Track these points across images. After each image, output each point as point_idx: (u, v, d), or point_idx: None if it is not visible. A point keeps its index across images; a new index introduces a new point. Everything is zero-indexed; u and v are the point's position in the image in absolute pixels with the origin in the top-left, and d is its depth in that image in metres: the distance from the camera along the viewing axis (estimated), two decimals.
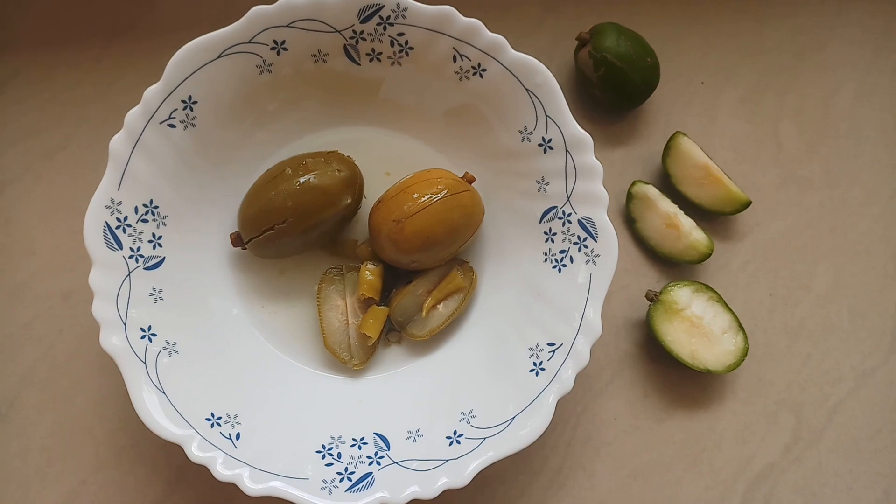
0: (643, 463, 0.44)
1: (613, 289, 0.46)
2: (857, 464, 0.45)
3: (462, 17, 0.39)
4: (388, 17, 0.39)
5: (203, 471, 0.42)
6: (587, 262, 0.39)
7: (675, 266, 0.47)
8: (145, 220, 0.39)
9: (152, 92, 0.38)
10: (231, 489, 0.42)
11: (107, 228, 0.37)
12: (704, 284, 0.44)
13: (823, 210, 0.49)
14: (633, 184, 0.46)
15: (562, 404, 0.44)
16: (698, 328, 0.44)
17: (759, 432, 0.45)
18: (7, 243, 0.45)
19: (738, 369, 0.45)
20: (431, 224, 0.40)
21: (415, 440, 0.39)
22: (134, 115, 0.38)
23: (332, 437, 0.39)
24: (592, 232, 0.39)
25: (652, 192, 0.46)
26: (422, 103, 0.43)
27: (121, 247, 0.38)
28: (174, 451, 0.42)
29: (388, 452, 0.38)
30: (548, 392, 0.38)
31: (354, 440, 0.39)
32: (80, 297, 0.44)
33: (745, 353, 0.43)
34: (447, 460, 0.37)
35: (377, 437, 0.39)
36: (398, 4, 0.39)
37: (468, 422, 0.39)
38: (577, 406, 0.45)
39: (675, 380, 0.45)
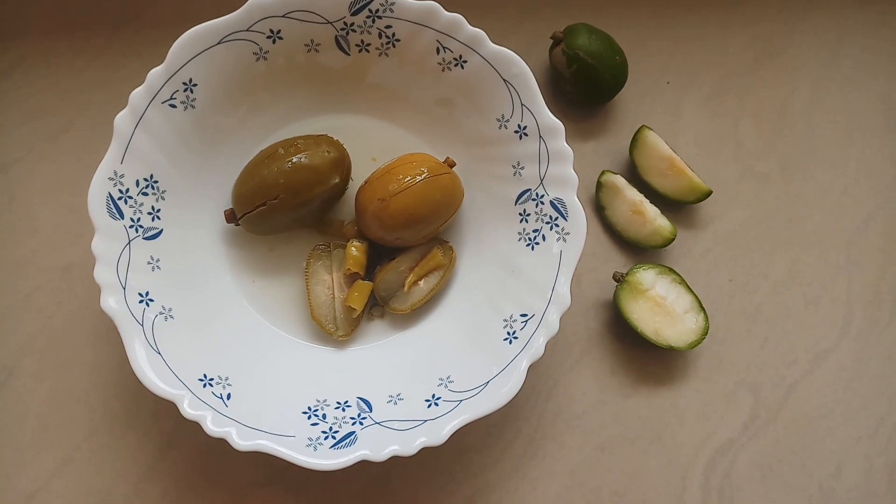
0: (610, 436, 0.47)
1: (583, 271, 0.49)
2: (811, 441, 0.48)
3: (445, 11, 0.42)
4: (377, 11, 0.42)
5: (193, 437, 0.44)
6: (558, 239, 0.42)
7: (640, 251, 0.50)
8: (145, 194, 0.41)
9: (156, 73, 0.41)
10: (219, 454, 0.44)
11: (109, 199, 0.40)
12: (668, 267, 0.47)
13: (780, 203, 0.52)
14: (602, 173, 0.49)
15: (533, 379, 0.46)
16: (662, 307, 0.46)
17: (720, 410, 0.48)
18: (10, 220, 0.47)
19: (699, 349, 0.48)
20: (414, 203, 0.42)
21: (395, 403, 0.41)
22: (138, 94, 0.40)
23: (318, 401, 0.41)
24: (563, 212, 0.42)
25: (620, 181, 0.49)
26: (407, 92, 0.46)
27: (122, 217, 0.40)
28: (166, 418, 0.44)
29: (370, 414, 0.40)
30: (520, 358, 0.40)
31: (339, 403, 0.41)
32: (78, 272, 0.46)
33: (705, 332, 0.46)
34: (426, 420, 0.39)
35: (360, 401, 0.41)
36: None
37: (446, 386, 0.41)
38: (548, 381, 0.47)
39: (641, 358, 0.48)
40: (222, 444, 0.37)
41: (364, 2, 0.42)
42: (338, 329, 0.44)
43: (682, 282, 0.47)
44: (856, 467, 0.47)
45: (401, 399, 0.41)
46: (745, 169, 0.52)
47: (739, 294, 0.50)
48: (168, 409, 0.38)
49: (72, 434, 0.44)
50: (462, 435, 0.40)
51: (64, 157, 0.48)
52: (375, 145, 0.46)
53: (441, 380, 0.41)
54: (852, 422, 0.48)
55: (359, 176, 0.45)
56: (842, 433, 0.48)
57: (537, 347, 0.40)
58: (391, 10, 0.42)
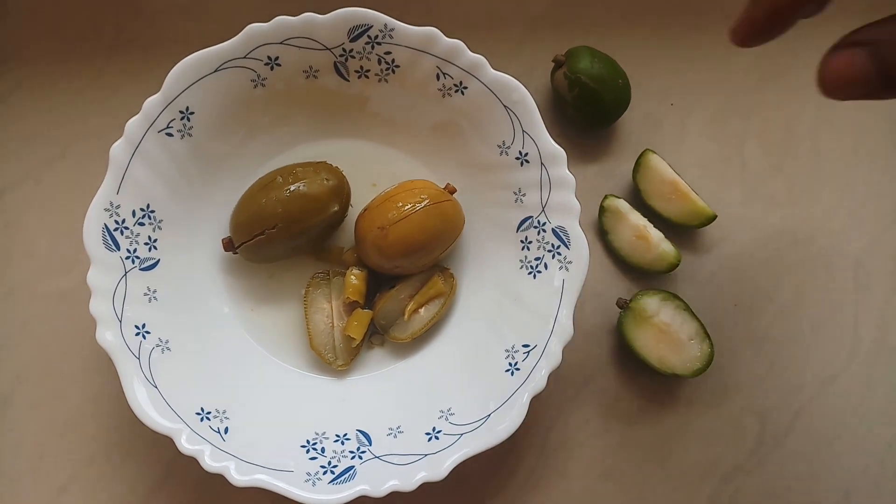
0: (614, 464, 0.46)
1: (586, 297, 0.48)
2: (818, 468, 0.47)
3: (445, 38, 0.42)
4: (376, 37, 0.42)
5: (191, 468, 0.43)
6: (560, 268, 0.41)
7: (644, 276, 0.49)
8: (142, 224, 0.41)
9: (152, 102, 0.40)
10: (217, 486, 0.43)
11: (105, 230, 0.39)
12: (672, 293, 0.47)
13: (785, 225, 0.51)
14: (605, 198, 0.49)
15: (536, 407, 0.46)
16: (666, 335, 0.46)
17: (725, 436, 0.47)
18: (6, 245, 0.46)
19: (704, 375, 0.47)
20: (414, 231, 0.42)
21: (395, 436, 0.40)
22: (134, 124, 0.40)
23: (317, 433, 0.40)
24: (565, 240, 0.42)
25: (623, 205, 0.48)
26: (407, 118, 0.45)
27: (118, 248, 0.40)
28: (163, 448, 0.44)
29: (369, 447, 0.40)
30: (522, 390, 0.40)
31: (338, 436, 0.40)
32: (75, 298, 0.45)
33: (710, 359, 0.46)
34: (426, 455, 0.39)
35: (359, 434, 0.41)
36: (385, 25, 0.42)
37: (447, 419, 0.40)
38: (551, 409, 0.46)
39: (645, 384, 0.47)
40: (220, 476, 0.37)
41: (363, 28, 0.42)
42: (337, 358, 0.43)
43: (687, 308, 0.46)
44: (864, 494, 0.47)
45: (400, 432, 0.40)
46: (750, 191, 0.51)
47: (744, 318, 0.49)
48: (166, 438, 0.38)
49: (69, 463, 0.44)
50: (463, 465, 0.40)
51: (60, 182, 0.47)
52: (375, 171, 0.46)
53: (442, 412, 0.41)
54: (860, 448, 0.47)
55: (359, 201, 0.45)
56: (849, 460, 0.47)
57: (539, 380, 0.40)
58: (390, 37, 0.42)
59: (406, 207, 0.42)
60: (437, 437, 0.40)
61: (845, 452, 0.47)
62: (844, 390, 0.48)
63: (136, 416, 0.38)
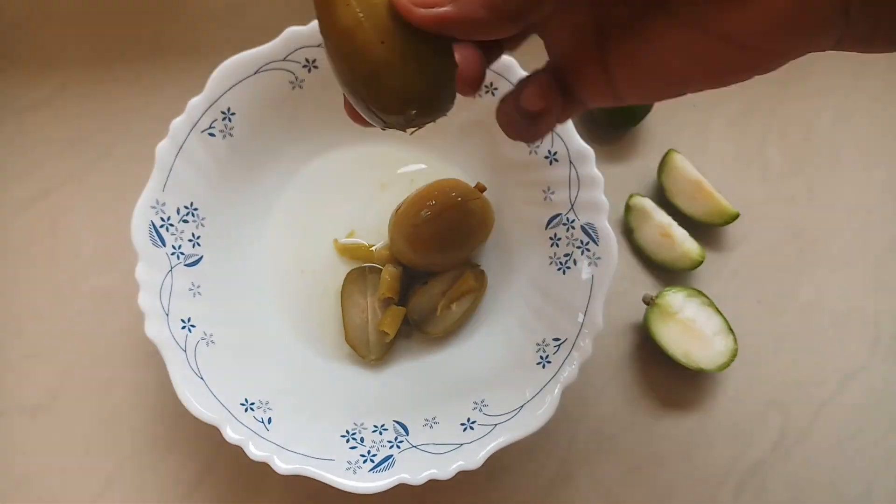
0: (641, 457, 0.47)
1: (613, 294, 0.49)
2: (841, 461, 0.48)
3: None
4: None
5: (233, 459, 0.45)
6: (589, 264, 0.43)
7: (669, 273, 0.50)
8: (186, 221, 0.42)
9: (195, 103, 0.42)
10: (258, 477, 0.45)
11: (152, 227, 0.41)
12: (697, 290, 0.48)
13: (806, 224, 0.52)
14: (631, 196, 0.50)
15: (566, 401, 0.47)
16: (691, 330, 0.47)
17: (749, 430, 0.48)
18: (53, 245, 0.48)
19: (728, 371, 0.48)
20: (445, 229, 0.43)
21: (431, 426, 0.41)
22: (178, 124, 0.41)
23: (356, 424, 0.42)
24: (594, 236, 0.43)
25: (648, 204, 0.49)
26: (439, 119, 0.46)
27: (164, 244, 0.41)
28: (206, 440, 0.45)
29: (406, 437, 0.41)
30: (553, 382, 0.41)
31: (375, 426, 0.42)
32: (119, 295, 0.47)
33: (734, 354, 0.47)
34: (462, 444, 0.40)
35: (396, 424, 0.42)
36: None
37: (481, 410, 0.42)
38: (579, 403, 0.47)
39: (671, 379, 0.48)
40: (262, 465, 0.38)
41: None
42: (370, 353, 0.44)
43: (711, 304, 0.47)
44: (886, 488, 0.47)
45: (436, 423, 0.41)
46: (772, 190, 0.52)
47: (767, 315, 0.50)
48: (209, 430, 0.39)
49: (114, 455, 0.45)
50: (496, 456, 0.41)
51: (103, 182, 0.49)
52: (409, 170, 0.47)
53: (476, 403, 0.42)
54: (882, 442, 0.48)
55: (395, 199, 0.46)
56: (871, 453, 0.48)
57: (570, 372, 0.41)
58: None
59: (438, 205, 0.43)
60: (472, 428, 0.41)
61: (867, 446, 0.48)
62: (866, 385, 0.49)
63: (178, 409, 0.39)
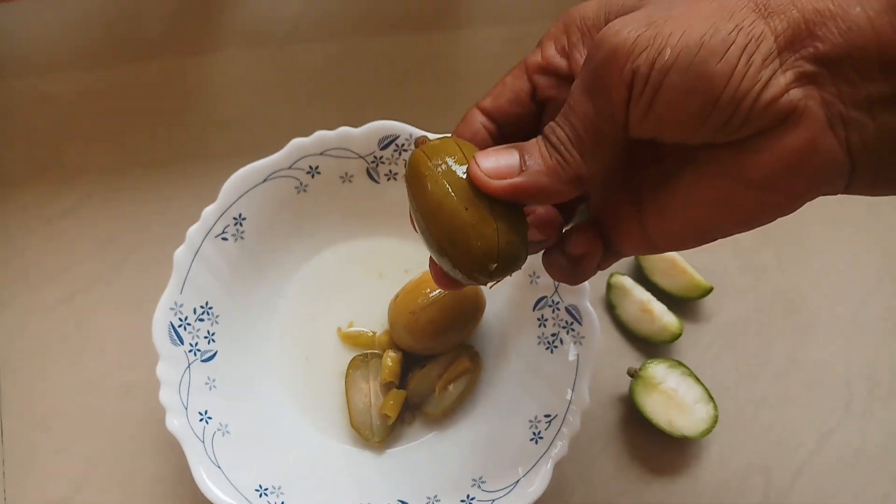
0: None
1: (600, 367, 0.53)
2: None
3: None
4: (403, 145, 0.48)
5: None
6: (575, 342, 0.46)
7: (651, 346, 0.54)
8: (202, 320, 0.46)
9: (209, 211, 0.46)
10: None
11: (171, 327, 0.44)
12: (677, 361, 0.51)
13: (777, 292, 0.56)
14: (612, 275, 0.54)
15: (560, 471, 0.49)
16: (674, 399, 0.50)
17: (733, 492, 0.51)
18: (78, 343, 0.51)
19: (711, 436, 0.51)
20: (441, 315, 0.47)
21: None
22: (194, 231, 0.45)
23: None
24: (578, 317, 0.46)
25: (627, 282, 0.53)
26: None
27: (182, 342, 0.45)
28: None
29: None
30: (546, 457, 0.44)
31: None
32: (141, 390, 0.50)
33: (715, 420, 0.50)
34: None
35: None
36: (411, 134, 0.47)
37: (479, 486, 0.45)
38: (572, 474, 0.50)
39: (657, 447, 0.51)
40: None
41: (391, 138, 0.48)
42: (374, 436, 0.47)
43: (691, 374, 0.51)
44: None
45: (437, 501, 0.44)
46: (743, 264, 0.56)
47: (745, 381, 0.53)
48: None
49: None
50: None
51: (125, 283, 0.52)
52: (406, 261, 0.51)
53: (474, 480, 0.45)
54: (859, 499, 0.51)
55: (393, 288, 0.49)
56: None
57: (561, 447, 0.44)
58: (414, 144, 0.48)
59: (433, 293, 0.47)
60: None
61: (847, 503, 0.51)
62: (842, 444, 0.52)
63: (197, 496, 0.42)
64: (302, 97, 0.58)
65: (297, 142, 0.47)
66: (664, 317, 0.52)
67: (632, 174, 0.31)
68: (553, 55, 0.33)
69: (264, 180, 0.47)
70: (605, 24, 0.30)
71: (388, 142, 0.48)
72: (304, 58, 0.59)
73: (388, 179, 0.49)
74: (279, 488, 0.44)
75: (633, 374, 0.51)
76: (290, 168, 0.47)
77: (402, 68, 0.60)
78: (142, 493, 0.48)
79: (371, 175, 0.49)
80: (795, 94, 0.26)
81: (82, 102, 0.56)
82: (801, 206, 0.28)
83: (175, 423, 0.42)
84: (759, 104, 0.26)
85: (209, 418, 0.44)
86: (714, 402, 0.50)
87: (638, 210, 0.31)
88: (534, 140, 0.30)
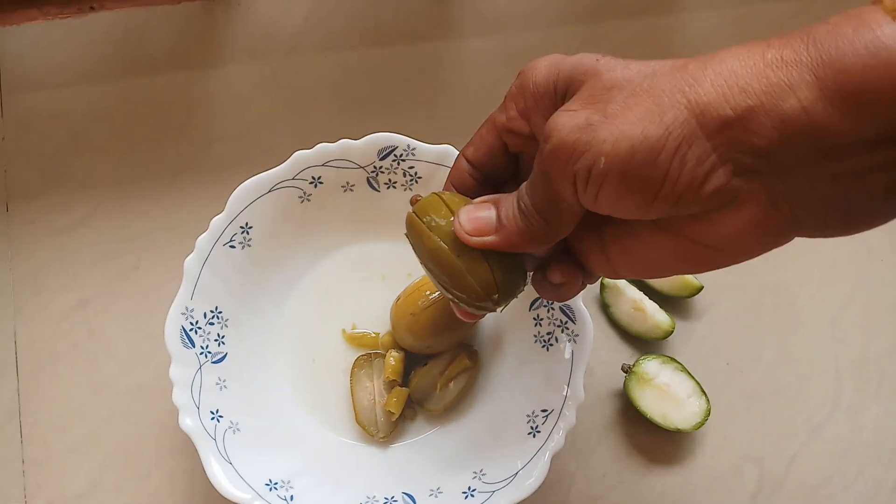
0: None
1: (595, 363, 0.55)
2: None
3: (458, 151, 0.49)
4: (401, 155, 0.50)
5: None
6: (569, 340, 0.48)
7: (644, 343, 0.56)
8: (212, 323, 0.48)
9: (218, 220, 0.48)
10: None
11: (183, 331, 0.46)
12: (670, 357, 0.53)
13: (765, 290, 0.58)
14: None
15: (558, 465, 0.52)
16: (667, 394, 0.52)
17: (727, 483, 0.52)
18: (90, 349, 0.53)
19: (704, 429, 0.53)
20: (441, 315, 0.48)
21: (436, 496, 0.46)
22: (203, 240, 0.47)
23: (368, 497, 0.46)
24: (572, 316, 0.48)
25: (620, 282, 0.55)
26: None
27: (193, 345, 0.47)
28: None
29: None
30: (543, 450, 0.46)
31: (386, 498, 0.46)
32: (151, 392, 0.52)
33: (708, 413, 0.52)
34: None
35: (405, 496, 0.47)
36: (408, 145, 0.50)
37: (479, 478, 0.46)
38: (570, 466, 0.52)
39: (652, 440, 0.53)
40: None
41: (390, 149, 0.50)
42: (379, 432, 0.49)
43: (684, 369, 0.53)
44: None
45: (440, 492, 0.46)
46: None
47: (736, 375, 0.55)
48: None
49: None
50: None
51: (135, 291, 0.54)
52: (407, 265, 0.53)
53: (475, 472, 0.47)
54: (851, 488, 0.53)
55: (395, 290, 0.51)
56: (842, 499, 0.52)
57: (558, 440, 0.46)
58: (413, 154, 0.50)
59: (433, 295, 0.49)
60: (472, 495, 0.46)
61: (838, 492, 0.53)
62: (832, 435, 0.54)
63: (209, 492, 0.44)
64: (303, 110, 0.60)
65: (299, 154, 0.49)
66: (656, 315, 0.54)
67: (596, 217, 0.34)
68: (514, 117, 0.36)
69: (269, 190, 0.49)
70: (554, 93, 0.33)
71: (387, 152, 0.50)
72: (304, 72, 0.61)
73: (388, 188, 0.51)
74: (288, 482, 0.45)
75: (627, 371, 0.52)
76: (293, 178, 0.49)
77: (400, 80, 0.62)
78: (156, 489, 0.50)
79: (371, 184, 0.51)
80: (737, 182, 0.27)
81: (91, 117, 0.59)
82: (750, 259, 0.31)
83: (188, 421, 0.44)
84: (702, 194, 0.28)
85: (220, 417, 0.46)
86: (706, 396, 0.52)
87: (604, 248, 0.34)
88: (510, 198, 0.34)
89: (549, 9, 0.65)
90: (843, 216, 0.28)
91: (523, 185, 0.33)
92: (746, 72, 0.27)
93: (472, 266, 0.35)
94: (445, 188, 0.39)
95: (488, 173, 0.38)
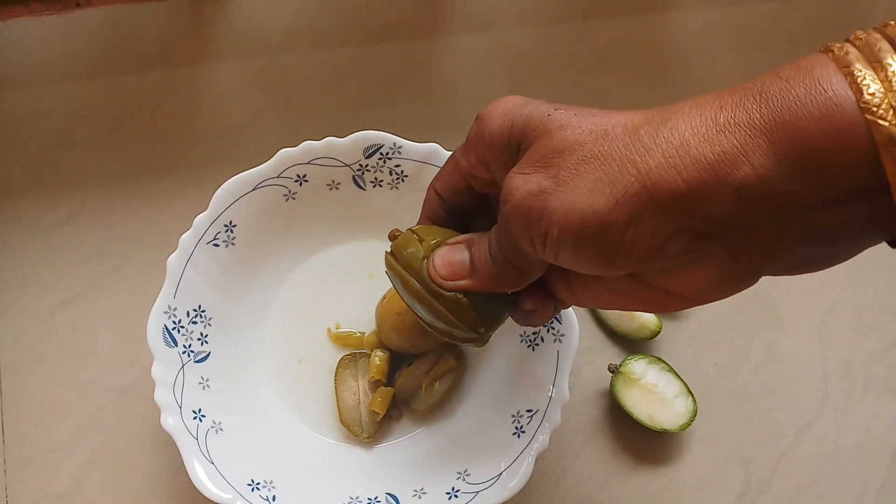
0: None
1: (582, 363, 0.54)
2: None
3: (445, 150, 0.49)
4: (387, 153, 0.50)
5: None
6: (555, 340, 0.48)
7: (631, 343, 0.55)
8: (195, 322, 0.48)
9: (201, 218, 0.48)
10: None
11: (165, 330, 0.46)
12: (657, 357, 0.53)
13: (754, 292, 0.57)
14: None
15: (543, 465, 0.51)
16: (653, 394, 0.52)
17: (714, 483, 0.52)
18: (74, 347, 0.53)
19: (691, 430, 0.53)
20: None
21: (420, 497, 0.46)
22: (187, 238, 0.47)
23: (352, 497, 0.46)
24: (558, 316, 0.48)
25: None
26: (415, 218, 0.52)
27: (176, 344, 0.46)
28: None
29: None
30: (528, 450, 0.46)
31: (370, 499, 0.46)
32: (136, 390, 0.51)
33: (694, 414, 0.51)
34: None
35: (388, 496, 0.46)
36: (394, 143, 0.49)
37: (464, 479, 0.46)
38: (556, 467, 0.52)
39: (639, 440, 0.53)
40: None
41: (376, 147, 0.49)
42: (363, 431, 0.49)
43: (671, 369, 0.53)
44: None
45: (424, 493, 0.46)
46: None
47: (724, 376, 0.55)
48: None
49: None
50: None
51: (120, 289, 0.54)
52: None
53: (459, 473, 0.46)
54: (837, 489, 0.53)
55: (380, 289, 0.51)
56: (829, 500, 0.52)
57: (542, 441, 0.45)
58: (399, 153, 0.50)
59: None
60: (456, 496, 0.45)
61: (824, 493, 0.52)
62: (819, 436, 0.54)
63: (193, 492, 0.44)
64: (292, 108, 0.60)
65: (284, 152, 0.49)
66: (643, 315, 0.54)
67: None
68: (474, 165, 0.36)
69: (254, 188, 0.49)
70: (509, 144, 0.33)
71: (372, 151, 0.50)
72: (293, 70, 0.61)
73: (374, 186, 0.51)
74: (271, 482, 0.45)
75: (614, 371, 0.52)
76: (278, 177, 0.49)
77: (390, 78, 0.62)
78: (138, 488, 0.50)
79: (357, 182, 0.51)
80: (696, 245, 0.27)
81: (78, 115, 0.58)
82: (718, 300, 0.32)
83: (170, 421, 0.44)
84: (660, 257, 0.28)
85: (203, 416, 0.46)
86: (693, 397, 0.52)
87: (568, 285, 0.35)
88: (483, 241, 0.35)
89: (540, 7, 0.64)
90: (805, 264, 0.29)
91: (493, 231, 0.34)
92: (698, 140, 0.26)
93: (453, 307, 0.36)
94: (420, 221, 0.40)
95: (457, 208, 0.39)
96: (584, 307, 0.37)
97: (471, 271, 0.35)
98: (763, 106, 0.26)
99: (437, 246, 0.37)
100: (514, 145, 0.33)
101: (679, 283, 0.29)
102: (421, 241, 0.37)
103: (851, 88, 0.24)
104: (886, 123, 0.23)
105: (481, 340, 0.38)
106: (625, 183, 0.27)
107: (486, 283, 0.35)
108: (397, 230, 0.39)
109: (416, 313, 0.38)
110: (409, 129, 0.51)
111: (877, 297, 0.58)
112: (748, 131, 0.26)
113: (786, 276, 0.57)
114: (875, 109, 0.24)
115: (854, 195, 0.25)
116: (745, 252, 0.28)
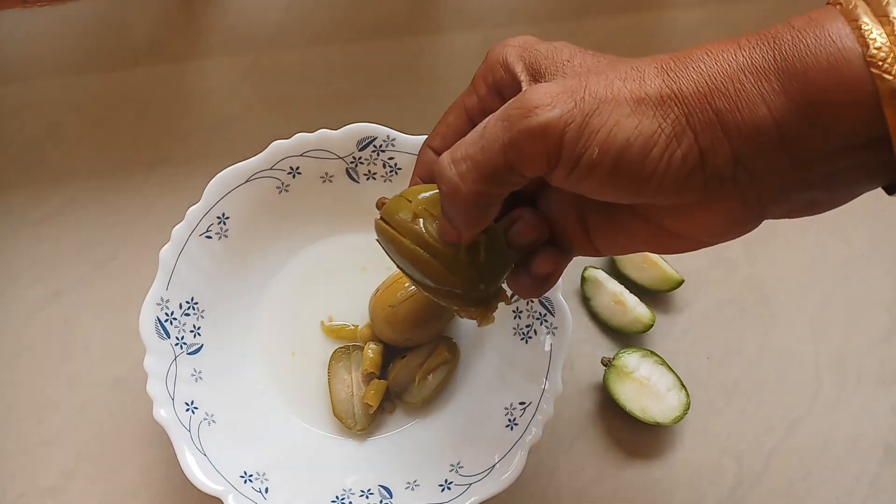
0: None
1: (575, 356, 0.54)
2: (793, 502, 0.52)
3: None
4: (381, 146, 0.50)
5: None
6: (548, 333, 0.48)
7: (624, 336, 0.55)
8: (188, 314, 0.47)
9: (194, 210, 0.47)
10: None
11: (157, 322, 0.46)
12: (650, 350, 0.53)
13: (747, 285, 0.58)
14: (585, 269, 0.56)
15: (536, 458, 0.51)
16: (646, 387, 0.52)
17: (707, 477, 0.52)
18: (65, 340, 0.52)
19: (684, 423, 0.53)
20: (419, 307, 0.48)
21: (413, 489, 0.46)
22: (179, 230, 0.47)
23: (344, 489, 0.46)
24: (551, 308, 0.48)
25: (601, 275, 0.55)
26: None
27: (168, 336, 0.46)
28: None
29: (391, 500, 0.45)
30: (521, 443, 0.46)
31: (363, 491, 0.46)
32: (127, 384, 0.51)
33: (687, 407, 0.52)
34: None
35: (381, 489, 0.46)
36: (388, 136, 0.49)
37: (456, 471, 0.46)
38: (549, 459, 0.52)
39: (632, 433, 0.53)
40: None
41: (369, 139, 0.49)
42: (356, 424, 0.49)
43: (664, 363, 0.53)
44: None
45: (417, 485, 0.46)
46: (714, 257, 0.58)
47: (716, 370, 0.55)
48: (213, 501, 0.43)
49: None
50: None
51: (111, 282, 0.54)
52: (386, 257, 0.53)
53: (452, 465, 0.46)
54: (829, 482, 0.53)
55: (374, 282, 0.51)
56: (821, 493, 0.52)
57: (535, 433, 0.45)
58: (392, 145, 0.49)
59: (412, 287, 0.49)
60: (449, 488, 0.45)
61: (816, 487, 0.53)
62: (811, 430, 0.54)
63: (185, 484, 0.43)
64: (283, 103, 0.60)
65: (277, 143, 0.49)
66: (636, 308, 0.54)
67: (578, 202, 0.34)
68: (485, 95, 0.35)
69: (247, 180, 0.49)
70: (524, 67, 0.32)
71: (366, 143, 0.50)
72: (284, 63, 0.61)
73: (368, 179, 0.51)
74: (264, 474, 0.45)
75: (607, 364, 0.52)
76: (271, 169, 0.49)
77: (382, 73, 0.61)
78: (130, 481, 0.50)
79: (350, 175, 0.51)
80: (714, 183, 0.28)
81: (69, 108, 0.58)
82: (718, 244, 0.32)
83: (162, 412, 0.44)
84: (685, 189, 0.28)
85: (195, 408, 0.45)
86: (686, 390, 0.52)
87: (584, 228, 0.35)
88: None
89: (532, 4, 0.64)
90: (806, 207, 0.29)
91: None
92: (722, 76, 0.27)
93: (451, 263, 0.34)
94: (412, 183, 0.39)
95: None
96: (593, 256, 0.36)
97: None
98: (776, 52, 0.26)
99: (427, 202, 0.35)
100: (530, 74, 0.32)
101: (689, 224, 0.30)
102: (409, 201, 0.36)
103: (858, 42, 0.25)
104: (891, 77, 0.24)
105: (484, 302, 0.36)
106: (664, 108, 0.27)
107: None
108: (384, 197, 0.38)
109: (412, 279, 0.37)
110: (401, 124, 0.51)
111: (869, 291, 0.58)
112: (764, 75, 0.26)
113: (780, 271, 0.57)
114: (881, 63, 0.25)
115: (858, 144, 0.26)
116: (755, 196, 0.28)
